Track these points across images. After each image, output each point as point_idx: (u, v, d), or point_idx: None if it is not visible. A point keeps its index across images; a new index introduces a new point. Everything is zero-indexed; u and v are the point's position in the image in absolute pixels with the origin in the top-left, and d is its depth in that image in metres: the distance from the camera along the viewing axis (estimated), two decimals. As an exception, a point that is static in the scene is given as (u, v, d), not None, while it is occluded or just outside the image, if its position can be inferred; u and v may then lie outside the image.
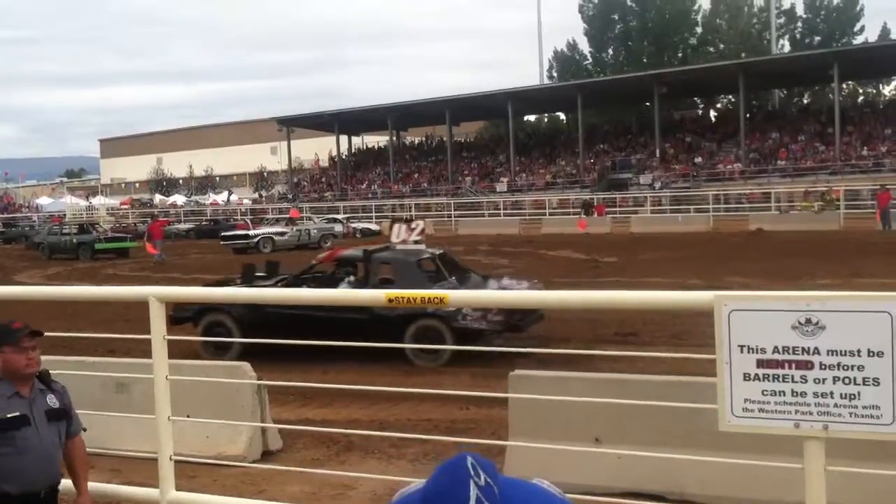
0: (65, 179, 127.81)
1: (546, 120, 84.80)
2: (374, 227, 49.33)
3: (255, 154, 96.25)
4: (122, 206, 79.47)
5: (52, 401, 4.24)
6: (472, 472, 1.31)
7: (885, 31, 71.45)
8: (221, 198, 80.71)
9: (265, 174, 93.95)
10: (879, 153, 51.12)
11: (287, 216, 47.75)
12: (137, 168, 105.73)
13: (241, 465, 6.59)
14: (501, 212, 52.88)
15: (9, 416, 4.08)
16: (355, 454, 7.29)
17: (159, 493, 5.09)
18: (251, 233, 39.17)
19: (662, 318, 11.98)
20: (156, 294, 5.17)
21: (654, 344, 11.04)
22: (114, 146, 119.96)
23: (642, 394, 5.52)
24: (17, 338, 4.15)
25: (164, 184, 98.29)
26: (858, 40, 71.24)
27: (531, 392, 5.86)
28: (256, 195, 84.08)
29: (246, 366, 7.11)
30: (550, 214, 50.11)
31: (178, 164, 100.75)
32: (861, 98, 71.20)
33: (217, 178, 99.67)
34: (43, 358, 4.20)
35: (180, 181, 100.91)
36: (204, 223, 56.95)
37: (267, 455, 7.09)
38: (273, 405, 7.60)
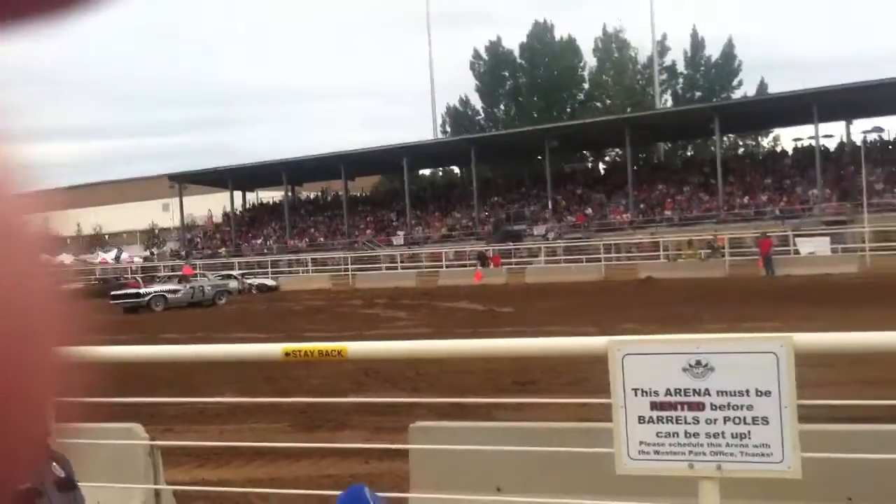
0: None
1: (441, 173, 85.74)
2: (270, 282, 48.72)
3: (147, 211, 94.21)
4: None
5: (57, 469, 3.97)
6: (369, 499, 1.34)
7: (762, 86, 74.92)
8: (111, 256, 78.56)
9: (157, 231, 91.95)
10: (760, 202, 53.26)
11: (180, 273, 46.78)
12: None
13: (134, 531, 6.34)
14: (399, 265, 52.95)
15: (23, 487, 3.75)
16: (254, 514, 7.11)
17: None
18: (142, 291, 38.18)
19: (560, 365, 12.13)
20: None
21: (552, 391, 11.16)
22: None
23: (542, 441, 5.56)
24: None
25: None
26: (738, 94, 74.52)
27: (432, 443, 5.85)
28: (147, 253, 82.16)
29: (138, 427, 6.88)
30: (447, 266, 50.41)
31: (64, 223, 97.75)
32: (741, 149, 74.24)
33: (106, 236, 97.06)
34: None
35: (67, 240, 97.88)
36: (93, 282, 55.28)
37: (161, 519, 6.85)
38: (167, 467, 7.36)
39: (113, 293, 39.65)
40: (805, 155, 57.47)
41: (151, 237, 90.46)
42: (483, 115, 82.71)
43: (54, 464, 3.95)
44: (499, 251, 50.70)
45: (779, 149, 68.08)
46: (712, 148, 62.91)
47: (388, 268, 52.89)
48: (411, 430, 6.21)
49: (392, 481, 7.44)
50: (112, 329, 26.84)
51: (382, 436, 9.31)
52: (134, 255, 78.81)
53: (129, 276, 55.41)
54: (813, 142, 55.56)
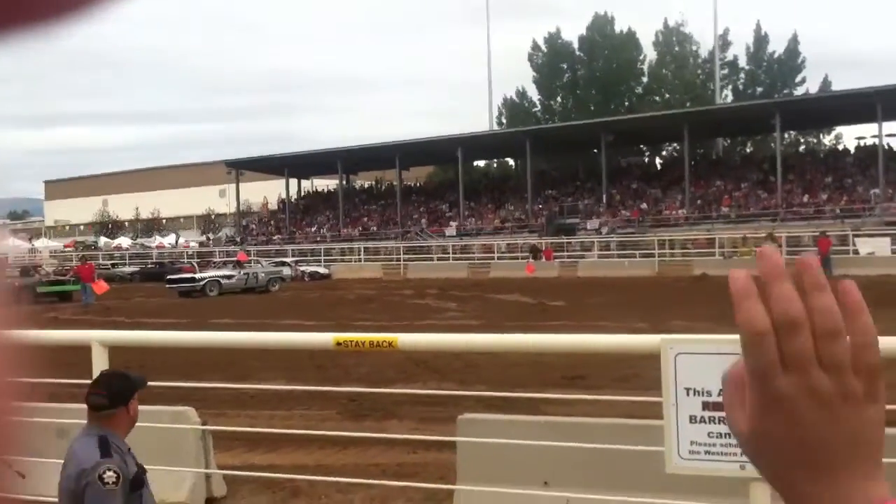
0: (7, 221, 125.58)
1: (495, 165, 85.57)
2: (322, 269, 49.09)
3: (203, 197, 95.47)
4: (66, 249, 78.19)
5: (135, 456, 4.06)
6: None
7: (825, 83, 73.53)
8: (168, 240, 79.84)
9: (213, 217, 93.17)
10: (820, 201, 52.32)
11: (235, 259, 47.36)
12: (82, 210, 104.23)
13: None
14: (450, 255, 53.01)
15: (134, 474, 3.82)
16: (302, 500, 7.18)
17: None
18: (197, 276, 38.71)
19: (610, 361, 12.05)
20: (98, 338, 5.08)
21: (601, 387, 11.09)
22: (59, 188, 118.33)
23: (590, 437, 5.53)
24: (144, 384, 4.02)
25: (110, 226, 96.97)
26: (800, 91, 73.21)
27: (479, 436, 5.84)
28: (204, 238, 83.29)
29: (190, 411, 6.99)
30: (499, 258, 50.35)
31: (124, 207, 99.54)
32: (802, 147, 72.98)
33: (164, 221, 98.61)
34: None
35: (126, 224, 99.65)
36: (149, 266, 56.22)
37: (211, 502, 6.95)
38: (218, 451, 7.46)
39: (169, 277, 40.29)
40: (867, 154, 56.29)
41: (207, 222, 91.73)
42: (540, 107, 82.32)
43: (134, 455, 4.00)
44: (551, 244, 50.49)
45: (840, 147, 66.77)
46: (772, 144, 61.90)
47: (439, 258, 52.98)
48: (459, 422, 6.22)
49: (439, 472, 7.46)
50: (167, 313, 27.28)
51: (430, 426, 9.34)
52: (190, 240, 80.00)
53: (185, 260, 56.28)
54: (876, 140, 54.43)
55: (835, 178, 54.75)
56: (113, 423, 3.84)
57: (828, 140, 76.04)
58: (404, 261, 51.56)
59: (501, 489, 5.45)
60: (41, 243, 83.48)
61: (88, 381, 5.15)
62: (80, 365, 5.03)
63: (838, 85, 70.92)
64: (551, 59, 79.70)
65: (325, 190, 77.76)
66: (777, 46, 75.89)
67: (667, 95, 77.84)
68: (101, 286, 33.45)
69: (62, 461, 6.02)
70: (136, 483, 3.79)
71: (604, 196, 59.31)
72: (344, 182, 73.13)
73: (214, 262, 49.71)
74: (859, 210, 49.87)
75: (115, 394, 3.87)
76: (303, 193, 78.76)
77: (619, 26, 78.63)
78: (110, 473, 3.64)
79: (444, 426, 8.26)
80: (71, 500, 3.76)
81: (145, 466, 3.99)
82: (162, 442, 6.87)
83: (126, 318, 25.83)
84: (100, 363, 5.02)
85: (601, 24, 78.25)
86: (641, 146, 75.00)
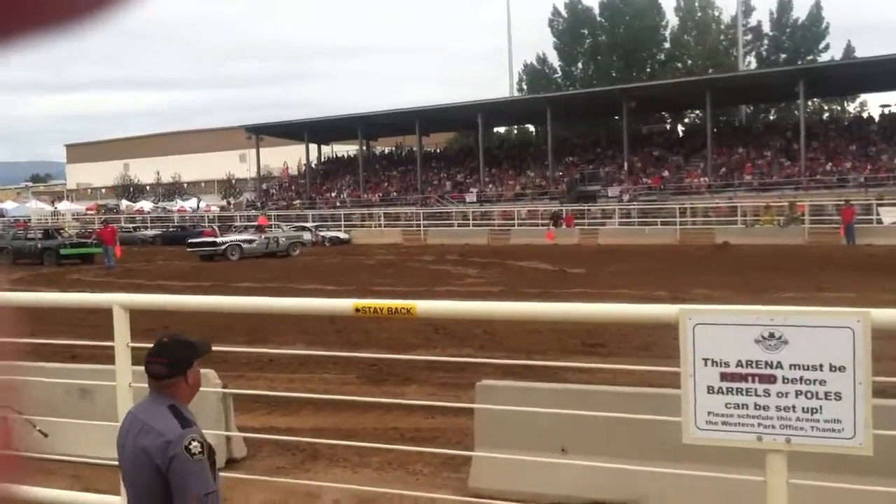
0: (30, 184, 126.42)
1: (516, 132, 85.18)
2: (342, 235, 49.19)
3: (224, 161, 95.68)
4: (88, 212, 78.69)
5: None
6: None
7: (849, 49, 72.53)
8: (189, 204, 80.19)
9: (233, 181, 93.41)
10: (844, 169, 51.81)
11: (255, 224, 47.53)
12: (104, 174, 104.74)
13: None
14: (470, 222, 52.98)
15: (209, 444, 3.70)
16: (320, 463, 7.25)
17: (120, 501, 5.04)
18: (219, 240, 38.90)
19: (629, 329, 12.05)
20: (120, 301, 5.13)
21: (620, 355, 11.10)
22: (81, 151, 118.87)
23: (608, 405, 5.55)
24: (208, 350, 3.91)
25: (131, 190, 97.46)
26: (824, 58, 72.27)
27: (498, 402, 5.87)
28: (224, 202, 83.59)
29: (211, 373, 7.06)
30: (519, 225, 50.27)
31: (145, 171, 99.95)
32: (826, 115, 72.17)
33: (185, 185, 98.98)
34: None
35: (147, 187, 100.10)
36: (171, 229, 56.52)
37: (231, 463, 7.04)
38: (238, 413, 7.55)
39: (190, 241, 40.50)
40: (892, 121, 55.62)
41: (228, 187, 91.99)
42: (560, 73, 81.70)
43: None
44: (572, 211, 50.35)
45: (865, 115, 65.89)
46: (796, 112, 61.20)
47: (459, 225, 52.96)
48: (477, 389, 6.25)
49: (456, 437, 7.51)
50: (189, 276, 27.46)
51: (448, 392, 9.39)
52: (211, 204, 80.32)
53: (206, 224, 56.53)
54: (901, 108, 53.72)
55: (859, 146, 54.15)
56: (174, 392, 3.70)
57: (852, 108, 75.18)
58: (424, 227, 51.57)
59: (519, 456, 5.49)
60: (63, 206, 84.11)
61: (110, 344, 5.21)
62: (103, 327, 5.08)
63: (862, 52, 69.92)
64: (572, 25, 78.97)
65: (346, 155, 77.76)
66: (800, 12, 74.91)
67: (689, 62, 77.08)
68: (118, 251, 33.77)
69: (85, 422, 6.10)
70: (212, 453, 3.70)
71: (625, 163, 58.96)
72: (364, 148, 73.05)
73: (235, 227, 49.92)
74: (883, 179, 49.34)
75: (175, 362, 3.73)
76: (323, 159, 78.77)
77: (641, -9, 77.76)
78: (196, 444, 3.53)
79: (462, 392, 8.31)
80: (150, 475, 3.59)
81: None
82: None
83: (147, 281, 26.02)
84: (121, 326, 5.06)
85: (623, -10, 77.42)
86: (663, 113, 74.39)
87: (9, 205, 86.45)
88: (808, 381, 3.79)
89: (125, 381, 5.08)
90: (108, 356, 5.30)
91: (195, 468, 3.50)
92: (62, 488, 5.45)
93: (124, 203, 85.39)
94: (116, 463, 4.78)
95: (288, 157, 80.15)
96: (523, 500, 5.22)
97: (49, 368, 7.33)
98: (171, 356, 3.74)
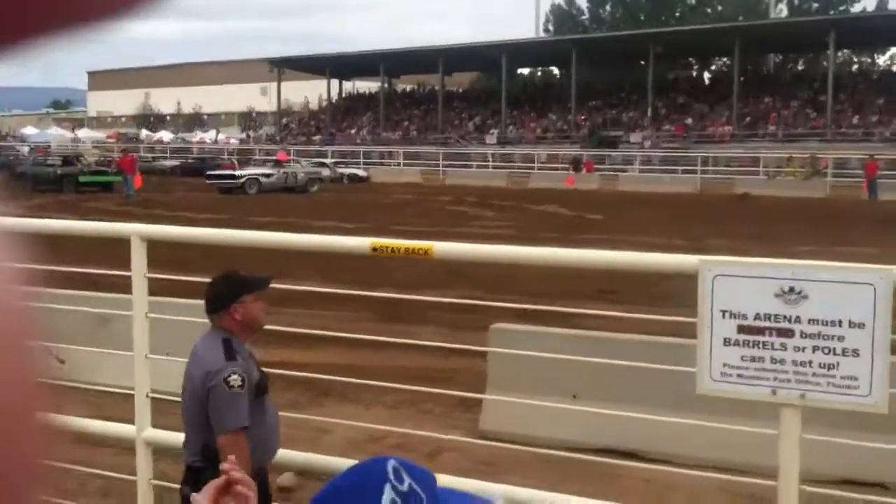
0: (51, 110, 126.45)
1: (540, 74, 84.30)
2: (361, 172, 49.11)
3: (245, 94, 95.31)
4: (108, 140, 78.77)
5: (256, 362, 3.97)
6: (391, 476, 1.26)
7: (882, 1, 71.09)
8: (209, 136, 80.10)
9: (254, 115, 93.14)
10: (870, 123, 51.12)
11: (274, 158, 47.46)
12: (125, 102, 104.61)
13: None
14: (490, 164, 52.74)
15: (257, 379, 3.74)
16: (332, 399, 7.31)
17: (135, 430, 5.09)
18: (237, 173, 38.94)
19: (646, 277, 12.01)
20: (138, 232, 5.12)
21: (635, 303, 11.08)
22: (102, 79, 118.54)
23: (622, 353, 5.54)
24: (260, 286, 3.88)
25: (152, 119, 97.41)
26: (856, 9, 70.98)
27: (511, 346, 5.88)
28: (244, 135, 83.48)
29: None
30: (539, 169, 50.02)
31: (166, 100, 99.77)
32: (855, 67, 71.02)
33: (205, 116, 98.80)
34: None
35: (168, 117, 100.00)
36: (190, 161, 56.57)
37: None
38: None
39: (209, 173, 40.55)
40: (924, 76, 54.74)
41: (248, 120, 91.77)
42: (588, 15, 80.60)
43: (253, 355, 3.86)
44: (593, 157, 50.00)
45: (895, 68, 64.80)
46: (825, 63, 60.25)
47: (479, 166, 52.74)
48: (491, 332, 6.26)
49: (468, 379, 7.54)
50: (207, 208, 27.54)
51: (462, 334, 9.41)
52: (231, 137, 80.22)
53: (226, 157, 56.51)
54: (934, 63, 52.81)
55: (887, 100, 53.31)
56: (225, 325, 3.77)
57: (882, 61, 73.94)
58: (443, 167, 51.38)
59: (530, 400, 5.50)
60: (84, 133, 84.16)
61: (127, 273, 5.21)
62: (123, 256, 5.09)
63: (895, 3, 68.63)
64: (602, -34, 77.75)
65: (367, 92, 77.27)
66: (836, -40, 73.40)
67: (719, 8, 75.86)
68: (137, 180, 33.85)
69: (102, 350, 6.15)
70: (261, 388, 3.73)
71: (649, 109, 58.36)
72: (386, 85, 72.53)
73: (254, 160, 49.87)
74: (910, 134, 48.72)
75: (215, 296, 3.82)
76: (344, 95, 78.31)
77: (675, -67, 76.28)
78: (235, 377, 3.58)
79: (476, 334, 8.32)
80: (195, 402, 3.71)
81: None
82: (194, 335, 6.97)
83: (166, 212, 26.12)
84: (138, 257, 5.06)
85: (656, -69, 75.92)
86: (690, 60, 73.41)
87: (29, 130, 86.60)
88: (826, 337, 3.75)
89: (141, 312, 5.10)
90: (128, 285, 5.32)
91: (230, 401, 3.55)
92: (78, 416, 5.51)
93: (144, 132, 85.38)
94: (132, 392, 4.83)
95: (309, 92, 79.72)
96: (533, 445, 5.24)
97: (68, 296, 7.38)
98: (211, 292, 3.85)
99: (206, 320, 6.84)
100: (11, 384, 0.28)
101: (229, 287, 3.81)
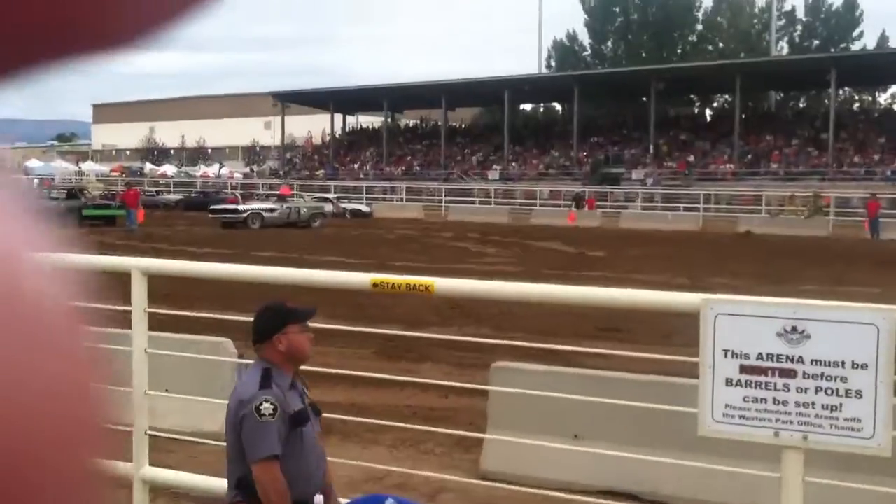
0: (55, 143, 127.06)
1: (542, 110, 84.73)
2: (364, 207, 49.20)
3: (249, 128, 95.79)
4: (112, 173, 79.04)
5: (306, 392, 3.96)
6: None
7: (883, 39, 71.63)
8: (212, 170, 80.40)
9: (258, 148, 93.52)
10: (872, 161, 51.25)
11: (277, 192, 47.59)
12: (129, 135, 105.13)
13: (219, 443, 6.54)
14: (492, 200, 52.83)
15: (295, 410, 3.69)
16: (333, 437, 7.25)
17: (133, 468, 5.05)
18: (240, 207, 39.00)
19: (648, 316, 11.97)
20: (139, 266, 5.12)
21: (638, 342, 11.03)
22: (107, 112, 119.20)
23: (624, 392, 5.50)
24: (305, 316, 3.86)
25: (156, 153, 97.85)
26: (857, 46, 71.41)
27: (512, 384, 5.84)
28: (248, 169, 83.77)
29: (228, 342, 7.07)
30: (541, 205, 50.10)
31: (170, 134, 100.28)
32: (857, 105, 71.35)
33: (209, 150, 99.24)
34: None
35: (172, 151, 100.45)
36: (193, 195, 56.73)
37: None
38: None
39: (212, 207, 40.63)
40: (925, 115, 54.97)
41: (252, 154, 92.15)
42: (590, 51, 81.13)
43: (306, 390, 3.88)
44: (595, 193, 50.10)
45: (896, 106, 65.18)
46: (826, 101, 60.54)
47: (481, 202, 52.83)
48: (492, 370, 6.22)
49: (469, 418, 7.49)
50: (209, 243, 27.56)
51: (463, 372, 9.37)
52: (234, 171, 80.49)
53: (229, 191, 56.68)
54: (935, 101, 53.08)
55: (888, 138, 53.47)
56: (267, 355, 3.75)
57: (883, 99, 74.31)
58: (446, 202, 51.49)
59: (531, 440, 5.46)
60: (88, 166, 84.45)
61: (127, 308, 5.20)
62: (121, 289, 5.08)
63: (897, 41, 69.08)
64: (604, 3, 78.31)
65: (370, 127, 77.62)
66: (835, -2, 74.05)
67: (721, 45, 76.33)
68: (140, 214, 33.96)
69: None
70: (296, 419, 3.67)
71: (650, 146, 58.57)
72: (389, 120, 72.89)
73: (257, 195, 50.00)
74: (912, 173, 48.83)
75: (259, 327, 3.80)
76: (347, 129, 78.68)
77: (676, -29, 76.99)
78: (267, 405, 3.55)
79: (477, 372, 8.28)
80: (232, 433, 3.69)
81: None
82: (199, 372, 6.96)
83: (168, 246, 26.13)
84: (138, 291, 5.06)
85: (657, -31, 76.63)
86: (692, 96, 73.78)
87: (34, 163, 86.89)
88: (828, 378, 3.73)
89: (140, 347, 5.08)
90: (124, 319, 5.30)
91: (260, 429, 3.53)
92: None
93: (148, 166, 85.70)
94: (130, 428, 4.79)
95: (313, 126, 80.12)
96: (534, 485, 5.20)
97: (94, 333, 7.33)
98: (256, 322, 3.82)
99: (207, 356, 6.81)
100: (73, 431, 0.28)
101: (273, 317, 3.82)
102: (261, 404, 3.55)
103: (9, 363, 0.26)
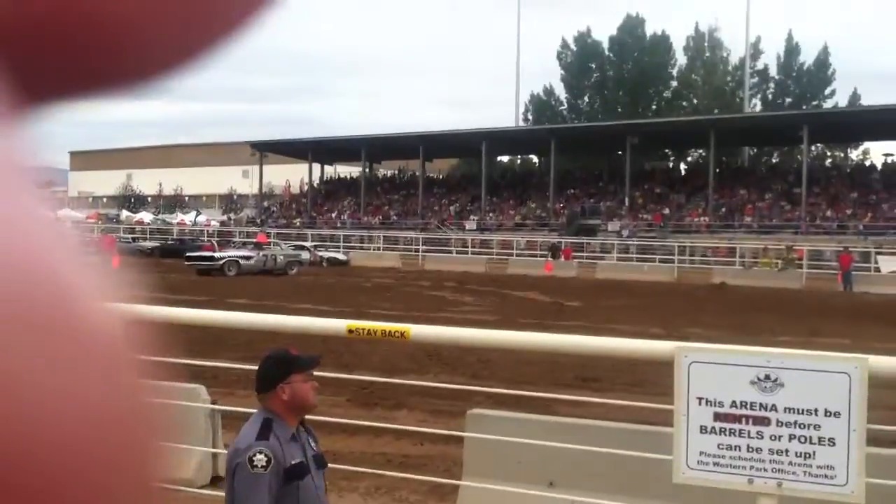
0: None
1: (519, 162, 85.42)
2: (341, 256, 49.15)
3: (227, 176, 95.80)
4: (88, 220, 78.64)
5: (311, 443, 3.83)
6: None
7: (854, 96, 72.98)
8: (189, 217, 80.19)
9: (235, 197, 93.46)
10: (844, 215, 51.94)
11: (254, 240, 47.49)
12: (106, 183, 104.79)
13: (189, 490, 6.47)
14: (469, 250, 52.96)
15: (293, 462, 3.56)
16: (306, 485, 7.19)
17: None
18: (217, 255, 38.86)
19: (623, 364, 12.00)
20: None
21: (614, 390, 11.05)
22: (84, 159, 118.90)
23: (599, 440, 5.50)
24: (309, 364, 3.75)
25: (132, 200, 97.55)
26: (829, 104, 72.68)
27: (488, 432, 5.82)
28: (225, 217, 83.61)
29: (201, 389, 7.01)
30: (518, 255, 50.26)
31: (147, 181, 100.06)
32: (829, 160, 72.42)
33: (186, 198, 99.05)
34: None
35: (149, 198, 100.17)
36: (170, 242, 56.48)
37: (217, 480, 6.97)
38: (226, 430, 7.48)
39: (188, 254, 40.47)
40: (894, 170, 55.84)
41: (229, 202, 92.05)
42: (566, 105, 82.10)
43: (308, 436, 3.77)
44: (571, 244, 50.36)
45: (868, 163, 66.15)
46: (799, 157, 61.44)
47: (458, 252, 52.93)
48: (468, 417, 6.20)
49: (445, 465, 7.45)
50: (185, 290, 27.40)
51: (439, 419, 9.33)
52: (211, 219, 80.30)
53: (205, 238, 56.48)
54: (904, 158, 53.99)
55: (860, 193, 54.32)
56: (271, 405, 3.67)
57: (855, 155, 75.49)
58: (423, 252, 51.56)
59: (507, 487, 5.43)
60: (64, 213, 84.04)
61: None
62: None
63: (868, 99, 70.49)
64: (580, 58, 79.44)
65: (348, 177, 77.86)
66: (808, 57, 75.47)
67: (695, 101, 77.49)
68: (115, 261, 33.74)
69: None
70: (292, 473, 3.54)
71: (626, 199, 59.08)
72: (367, 170, 73.19)
73: (234, 242, 49.84)
74: (883, 228, 49.46)
75: (263, 376, 3.73)
76: (325, 179, 78.88)
77: (651, 28, 78.35)
78: (260, 457, 3.45)
79: (452, 420, 8.25)
80: (227, 482, 3.63)
81: None
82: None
83: (144, 293, 25.91)
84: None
85: (632, 26, 77.87)
86: (667, 150, 74.68)
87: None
88: (802, 426, 3.75)
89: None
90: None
91: (250, 482, 3.43)
92: None
93: (125, 213, 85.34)
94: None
95: (291, 176, 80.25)
96: (509, 533, 5.17)
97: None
98: (260, 371, 3.74)
99: (179, 402, 6.76)
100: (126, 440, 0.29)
101: (277, 366, 3.72)
102: (254, 455, 3.45)
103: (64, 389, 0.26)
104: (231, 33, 0.33)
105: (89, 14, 0.29)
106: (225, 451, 7.01)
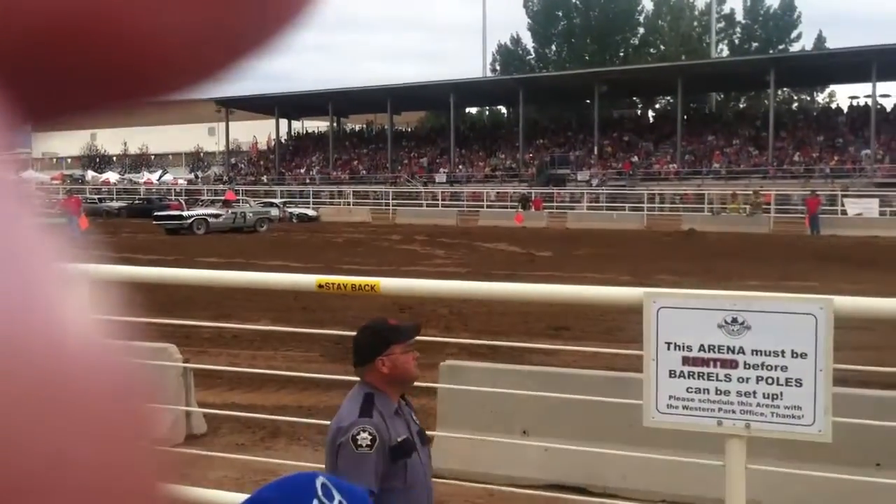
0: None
1: (487, 113, 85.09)
2: (310, 212, 48.92)
3: (192, 134, 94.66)
4: (53, 182, 77.61)
5: (414, 417, 3.64)
6: (319, 492, 1.24)
7: (820, 40, 73.20)
8: (156, 177, 79.35)
9: (202, 155, 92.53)
10: (811, 159, 52.33)
11: (222, 198, 47.12)
12: (70, 143, 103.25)
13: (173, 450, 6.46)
14: (440, 202, 52.90)
15: (399, 440, 3.38)
16: (281, 440, 7.22)
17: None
18: (185, 213, 38.56)
19: (594, 313, 12.09)
20: (80, 272, 5.04)
21: (585, 339, 11.14)
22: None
23: (571, 388, 5.55)
24: (409, 334, 3.58)
25: (98, 160, 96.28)
26: (795, 47, 72.85)
27: (461, 383, 5.86)
28: (192, 176, 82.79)
29: (172, 348, 6.99)
30: (488, 207, 50.29)
31: (112, 141, 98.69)
32: (795, 105, 72.77)
33: (152, 157, 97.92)
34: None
35: (114, 158, 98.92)
36: (137, 202, 55.94)
37: (190, 439, 6.98)
38: (199, 388, 7.48)
39: (156, 214, 40.13)
40: (860, 114, 56.24)
41: (196, 160, 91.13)
42: (534, 55, 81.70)
43: (409, 410, 3.59)
44: (541, 195, 50.43)
45: (834, 106, 66.56)
46: (766, 101, 61.68)
47: (428, 205, 52.86)
48: (441, 369, 6.23)
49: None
50: (153, 249, 27.20)
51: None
52: (178, 178, 79.48)
53: (173, 197, 55.98)
54: (869, 101, 54.34)
55: (826, 137, 54.71)
56: (370, 378, 3.49)
57: (821, 98, 75.91)
58: (393, 206, 51.44)
59: (480, 436, 5.48)
60: (28, 175, 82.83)
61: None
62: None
63: (833, 43, 70.74)
64: (547, 7, 78.92)
65: (316, 132, 77.22)
66: (773, 1, 75.48)
67: (662, 48, 77.38)
68: (83, 222, 33.35)
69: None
70: (399, 450, 3.38)
71: (595, 147, 59.14)
72: (335, 124, 72.60)
73: (202, 201, 49.43)
74: (850, 170, 49.96)
75: (360, 349, 3.56)
76: (293, 134, 78.20)
77: (617, -25, 77.87)
78: (364, 435, 3.29)
79: (426, 372, 8.27)
80: (329, 460, 3.45)
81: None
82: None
83: (112, 253, 25.73)
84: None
85: (599, -27, 77.42)
86: (634, 98, 74.68)
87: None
88: (769, 367, 3.79)
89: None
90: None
91: (355, 461, 3.29)
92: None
93: (90, 174, 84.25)
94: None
95: (257, 132, 79.44)
96: (484, 482, 5.22)
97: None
98: (357, 343, 3.59)
99: (159, 363, 6.74)
100: (120, 453, 0.27)
101: (375, 338, 3.54)
102: (358, 434, 3.30)
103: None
104: (253, 54, 0.32)
105: (110, 29, 0.28)
106: (198, 410, 7.02)
